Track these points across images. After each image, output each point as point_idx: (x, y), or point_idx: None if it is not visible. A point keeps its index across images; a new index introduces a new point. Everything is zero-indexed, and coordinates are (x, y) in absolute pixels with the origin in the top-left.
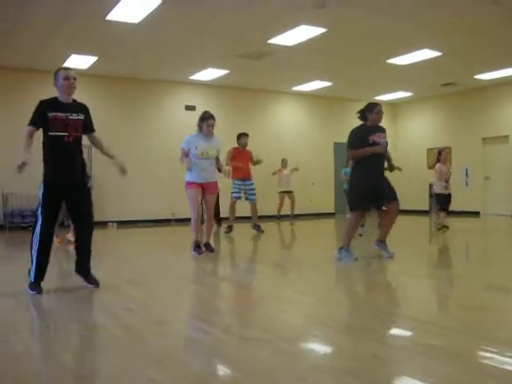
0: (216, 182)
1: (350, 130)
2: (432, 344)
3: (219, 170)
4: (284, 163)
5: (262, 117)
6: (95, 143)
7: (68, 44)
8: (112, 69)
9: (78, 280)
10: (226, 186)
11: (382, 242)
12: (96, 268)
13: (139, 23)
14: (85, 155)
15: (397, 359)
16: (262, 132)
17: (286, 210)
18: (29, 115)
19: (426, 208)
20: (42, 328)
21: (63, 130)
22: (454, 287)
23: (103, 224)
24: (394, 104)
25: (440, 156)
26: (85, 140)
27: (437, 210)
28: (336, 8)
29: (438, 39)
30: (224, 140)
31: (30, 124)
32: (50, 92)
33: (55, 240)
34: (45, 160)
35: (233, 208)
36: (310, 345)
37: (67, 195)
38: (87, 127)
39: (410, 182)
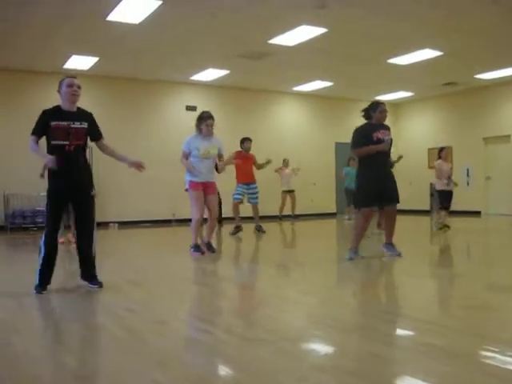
0: (215, 183)
1: (353, 129)
2: (433, 344)
3: (217, 169)
4: (285, 163)
5: (263, 117)
6: (105, 150)
7: (68, 44)
8: (113, 69)
9: (80, 280)
10: (226, 188)
11: (389, 244)
12: (97, 268)
13: (140, 24)
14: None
15: (398, 359)
16: (263, 132)
17: (287, 210)
18: (29, 117)
19: (427, 208)
20: (43, 329)
21: (64, 139)
22: (455, 287)
23: (104, 225)
24: (395, 104)
25: (441, 153)
26: None
27: (438, 209)
28: (336, 8)
29: (439, 39)
30: (224, 140)
31: (32, 134)
32: (50, 93)
33: (59, 240)
34: (48, 168)
35: (236, 208)
36: (312, 345)
37: (70, 202)
38: (94, 135)
39: (411, 181)
